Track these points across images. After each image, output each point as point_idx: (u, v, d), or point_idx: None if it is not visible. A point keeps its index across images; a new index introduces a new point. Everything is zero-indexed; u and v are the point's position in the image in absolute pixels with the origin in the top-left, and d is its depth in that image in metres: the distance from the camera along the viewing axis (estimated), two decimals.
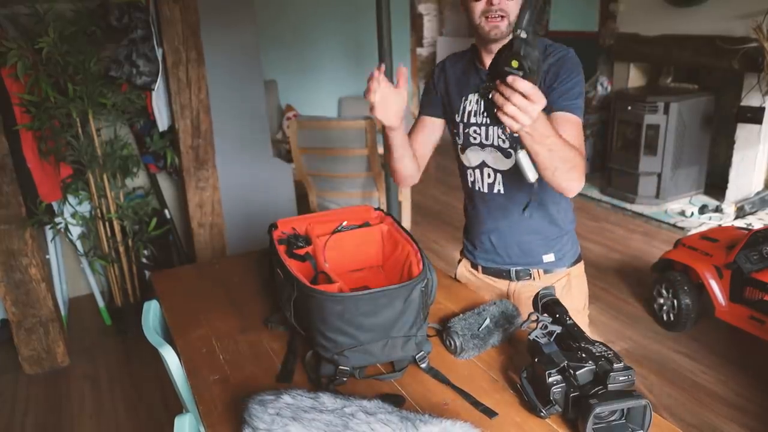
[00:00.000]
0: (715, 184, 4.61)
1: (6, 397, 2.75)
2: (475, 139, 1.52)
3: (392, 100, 1.34)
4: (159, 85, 2.93)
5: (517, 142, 1.36)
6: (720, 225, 3.95)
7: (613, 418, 1.04)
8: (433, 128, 1.63)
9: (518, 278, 1.59)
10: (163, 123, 3.06)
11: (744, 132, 4.18)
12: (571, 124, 1.33)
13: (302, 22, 6.05)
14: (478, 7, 1.35)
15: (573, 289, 1.56)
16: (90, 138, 2.92)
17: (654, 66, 4.96)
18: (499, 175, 1.51)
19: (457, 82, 1.54)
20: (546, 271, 1.56)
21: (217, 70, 3.11)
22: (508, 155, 1.47)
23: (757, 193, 4.21)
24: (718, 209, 4.30)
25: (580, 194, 4.97)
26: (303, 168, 3.52)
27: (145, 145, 3.16)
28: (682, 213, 4.39)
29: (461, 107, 1.53)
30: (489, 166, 1.52)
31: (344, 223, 1.63)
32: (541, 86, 1.23)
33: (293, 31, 6.02)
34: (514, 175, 1.48)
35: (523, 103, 1.03)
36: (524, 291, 1.59)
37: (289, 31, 5.99)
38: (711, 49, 4.14)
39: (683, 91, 4.61)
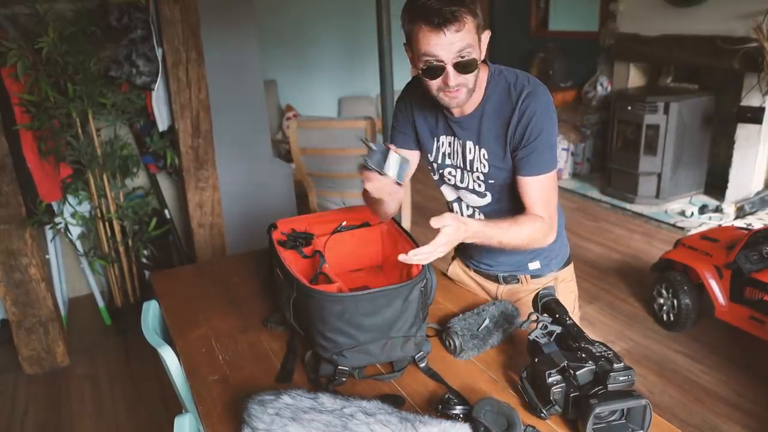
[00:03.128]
0: (715, 184, 4.61)
1: (6, 397, 2.75)
2: (449, 180, 1.51)
3: (387, 190, 1.30)
4: (159, 85, 2.93)
5: (489, 187, 1.43)
6: (720, 225, 3.94)
7: (613, 418, 1.04)
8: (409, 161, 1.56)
9: (506, 282, 1.59)
10: (163, 123, 3.06)
11: (744, 132, 4.18)
12: (538, 186, 1.36)
13: (302, 22, 6.05)
14: (434, 84, 1.29)
15: (560, 293, 1.56)
16: (90, 138, 2.92)
17: (654, 66, 4.95)
18: (476, 210, 1.52)
19: (426, 123, 1.49)
20: (533, 276, 1.56)
21: (217, 70, 3.10)
22: (483, 196, 1.47)
23: (757, 193, 4.21)
24: (718, 209, 4.30)
25: (580, 194, 4.94)
26: (303, 168, 3.52)
27: (145, 145, 3.15)
28: (682, 213, 4.39)
29: (434, 147, 1.50)
30: (464, 202, 1.53)
31: (343, 223, 1.63)
32: (509, 142, 1.35)
33: (293, 31, 6.02)
34: (490, 207, 1.48)
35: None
36: (512, 294, 1.59)
37: (289, 31, 5.99)
38: (711, 49, 4.14)
39: (683, 91, 4.60)
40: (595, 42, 5.23)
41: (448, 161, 1.49)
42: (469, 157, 1.43)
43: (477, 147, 1.41)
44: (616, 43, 4.95)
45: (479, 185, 1.45)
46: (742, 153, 4.23)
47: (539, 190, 1.36)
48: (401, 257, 1.21)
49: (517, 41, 6.44)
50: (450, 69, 1.25)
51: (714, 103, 4.56)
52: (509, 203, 1.45)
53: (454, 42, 1.22)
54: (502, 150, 1.38)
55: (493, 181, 1.42)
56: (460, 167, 1.47)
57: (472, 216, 1.53)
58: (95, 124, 2.92)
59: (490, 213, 1.49)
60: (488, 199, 1.47)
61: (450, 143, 1.47)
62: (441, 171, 1.52)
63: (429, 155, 1.52)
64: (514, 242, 1.34)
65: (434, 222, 1.18)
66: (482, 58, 1.31)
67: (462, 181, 1.48)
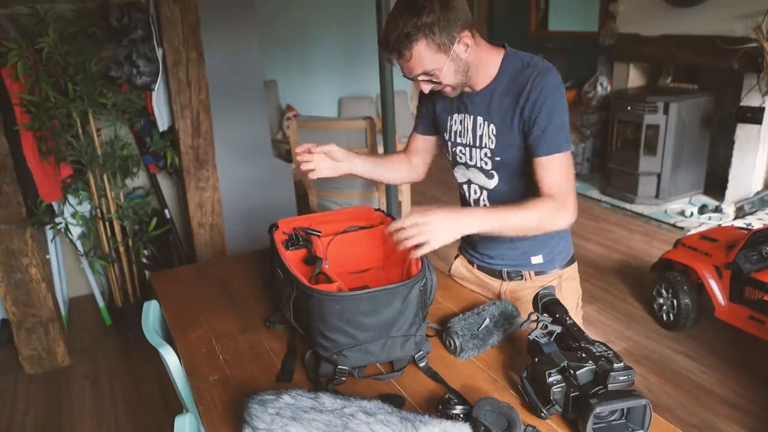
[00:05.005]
0: (715, 184, 4.61)
1: (6, 397, 2.75)
2: (461, 158, 1.54)
3: (323, 165, 1.53)
4: (159, 85, 2.93)
5: (496, 166, 1.44)
6: (720, 225, 3.95)
7: (613, 417, 1.05)
8: (426, 145, 1.69)
9: (510, 278, 1.60)
10: (163, 123, 3.06)
11: (744, 132, 4.18)
12: (550, 167, 1.35)
13: (302, 23, 6.05)
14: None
15: (564, 292, 1.56)
16: (90, 138, 2.92)
17: (654, 66, 4.96)
18: (485, 192, 1.53)
19: (442, 101, 1.54)
20: (537, 273, 1.57)
21: (217, 70, 3.11)
22: (491, 176, 1.48)
23: (757, 193, 4.21)
24: (717, 209, 4.30)
25: (580, 194, 4.95)
26: None
27: (145, 145, 3.15)
28: (682, 213, 4.39)
29: (449, 126, 1.54)
30: (474, 183, 1.55)
31: (350, 226, 1.64)
32: (519, 119, 1.36)
33: (293, 32, 6.02)
34: (498, 191, 1.50)
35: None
36: (516, 291, 1.59)
37: (290, 31, 6.00)
38: (711, 49, 4.14)
39: (683, 91, 4.61)
40: (595, 42, 5.23)
41: (459, 139, 1.52)
42: (478, 132, 1.46)
43: (486, 122, 1.43)
44: (616, 43, 4.96)
45: (486, 163, 1.47)
46: (741, 153, 4.23)
47: (550, 170, 1.35)
48: (389, 231, 1.23)
49: (517, 41, 6.40)
50: (421, 82, 1.37)
51: (714, 103, 4.56)
52: (517, 187, 1.46)
53: (411, 68, 1.33)
54: (510, 125, 1.39)
55: (499, 159, 1.44)
56: (469, 144, 1.49)
57: (477, 201, 1.54)
58: (95, 125, 2.92)
59: (499, 197, 1.49)
60: (495, 180, 1.48)
61: (461, 121, 1.50)
62: (453, 150, 1.54)
63: (444, 134, 1.56)
64: (530, 228, 1.34)
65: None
66: (467, 54, 1.34)
67: (471, 159, 1.50)
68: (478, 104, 1.44)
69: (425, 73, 1.34)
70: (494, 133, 1.42)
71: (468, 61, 1.35)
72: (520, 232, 1.37)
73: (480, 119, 1.45)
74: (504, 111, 1.40)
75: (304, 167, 1.52)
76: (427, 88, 1.38)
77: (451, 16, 1.28)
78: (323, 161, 1.53)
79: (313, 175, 1.53)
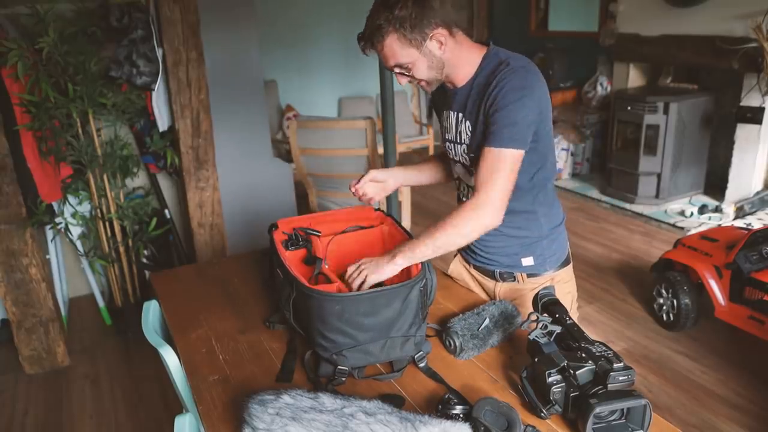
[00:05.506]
0: (715, 184, 4.61)
1: (6, 397, 2.75)
2: (450, 154, 1.57)
3: (373, 191, 1.63)
4: (159, 85, 2.93)
5: (474, 162, 1.46)
6: (719, 225, 3.95)
7: (612, 417, 1.05)
8: None
9: (503, 279, 1.60)
10: (163, 123, 3.06)
11: (744, 132, 4.18)
12: (486, 158, 1.35)
13: (302, 23, 6.05)
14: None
15: (557, 294, 1.56)
16: (90, 138, 2.92)
17: (654, 66, 4.95)
18: (468, 189, 1.54)
19: (440, 98, 1.58)
20: (529, 275, 1.56)
21: (217, 70, 3.11)
22: (471, 173, 1.50)
23: (757, 193, 4.21)
24: (717, 209, 4.30)
25: (580, 194, 4.93)
26: (303, 168, 3.52)
27: (145, 145, 3.15)
28: (682, 213, 4.39)
29: (442, 122, 1.58)
30: (463, 181, 1.57)
31: (350, 226, 1.64)
32: (483, 113, 1.39)
33: (293, 32, 6.02)
34: None
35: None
36: (511, 293, 1.59)
37: (289, 31, 5.99)
38: (711, 49, 4.14)
39: (683, 91, 4.61)
40: (595, 42, 5.23)
41: (447, 135, 1.56)
42: (459, 128, 1.49)
43: (464, 119, 1.46)
44: (616, 43, 4.96)
45: (466, 159, 1.50)
46: (741, 153, 4.23)
47: (484, 161, 1.35)
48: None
49: (517, 41, 6.43)
50: (397, 75, 1.43)
51: (714, 103, 4.56)
52: None
53: (386, 59, 1.39)
54: (478, 121, 1.41)
55: (473, 155, 1.46)
56: (454, 141, 1.53)
57: (467, 197, 1.54)
58: (95, 124, 2.92)
59: None
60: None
61: (448, 117, 1.53)
62: (446, 146, 1.58)
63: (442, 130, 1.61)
64: (447, 245, 1.37)
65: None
66: (442, 52, 1.37)
67: (455, 155, 1.54)
68: (458, 101, 1.47)
69: (398, 66, 1.39)
70: (470, 129, 1.45)
71: (443, 58, 1.38)
72: (456, 246, 1.43)
73: (460, 115, 1.48)
74: (478, 108, 1.41)
75: (364, 200, 1.63)
76: (402, 80, 1.44)
77: (425, 13, 1.31)
78: (371, 187, 1.63)
79: (372, 202, 1.65)
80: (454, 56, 1.40)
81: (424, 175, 1.76)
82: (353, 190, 1.61)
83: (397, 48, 1.35)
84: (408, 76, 1.41)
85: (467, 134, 1.46)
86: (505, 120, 1.32)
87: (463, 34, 1.41)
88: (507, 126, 1.32)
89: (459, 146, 1.50)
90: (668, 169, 4.52)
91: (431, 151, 6.31)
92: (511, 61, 1.37)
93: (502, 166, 1.33)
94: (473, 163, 1.46)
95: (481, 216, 1.34)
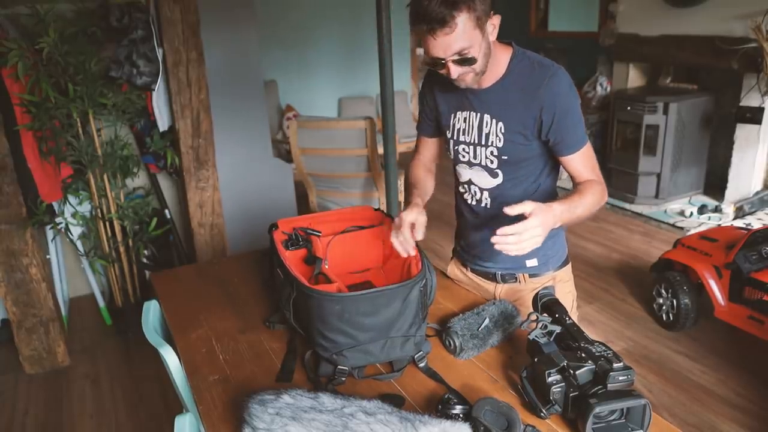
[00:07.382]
0: (715, 184, 4.61)
1: (6, 397, 2.76)
2: (464, 157, 1.52)
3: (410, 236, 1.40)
4: (159, 86, 2.93)
5: (502, 164, 1.44)
6: (719, 225, 3.95)
7: (612, 417, 1.05)
8: (433, 145, 1.68)
9: (504, 281, 1.60)
10: (163, 123, 3.06)
11: (743, 132, 4.18)
12: (583, 159, 1.42)
13: (302, 23, 6.05)
14: (442, 73, 1.35)
15: (558, 294, 1.56)
16: (90, 138, 2.92)
17: (654, 66, 4.96)
18: (485, 192, 1.52)
19: (445, 98, 1.53)
20: (531, 275, 1.57)
21: (217, 70, 3.11)
22: (495, 175, 1.48)
23: (756, 193, 4.21)
24: (717, 209, 4.30)
25: None
26: (303, 168, 3.52)
27: (146, 145, 3.16)
28: (682, 213, 4.39)
29: (451, 124, 1.53)
30: (475, 185, 1.53)
31: (349, 226, 1.64)
32: (536, 123, 1.37)
33: (293, 32, 6.02)
34: (499, 190, 1.49)
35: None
36: (511, 294, 1.59)
37: (290, 31, 5.99)
38: (710, 49, 4.15)
39: (682, 91, 4.61)
40: (594, 42, 5.23)
41: (462, 137, 1.50)
42: (485, 130, 1.45)
43: (494, 120, 1.43)
44: (615, 43, 4.96)
45: (492, 161, 1.46)
46: (741, 153, 4.23)
47: (583, 162, 1.42)
48: (494, 239, 1.19)
49: (517, 41, 6.43)
50: (450, 65, 1.30)
51: (713, 103, 4.56)
52: (519, 185, 1.46)
53: (449, 44, 1.25)
54: (522, 125, 1.39)
55: (506, 158, 1.43)
56: (473, 143, 1.48)
57: (480, 200, 1.54)
58: (96, 125, 2.92)
59: (499, 196, 1.49)
60: (499, 179, 1.47)
61: (466, 118, 1.48)
62: (456, 148, 1.53)
63: (447, 132, 1.55)
64: (588, 211, 1.38)
65: (510, 210, 1.20)
66: (491, 40, 1.33)
67: (475, 158, 1.49)
68: (486, 102, 1.43)
69: (459, 53, 1.27)
70: (502, 131, 1.41)
71: (491, 46, 1.34)
72: (580, 220, 1.39)
73: (487, 117, 1.43)
74: (515, 110, 1.39)
75: (413, 252, 1.40)
76: (456, 71, 1.30)
77: None
78: (408, 230, 1.40)
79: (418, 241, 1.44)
80: (492, 49, 1.35)
81: (429, 190, 1.65)
82: (400, 249, 1.38)
83: (467, 27, 1.23)
84: (466, 63, 1.29)
85: (497, 136, 1.42)
86: (576, 121, 1.39)
87: None
88: (578, 126, 1.40)
89: (483, 148, 1.46)
90: (668, 169, 4.52)
91: None
92: (544, 63, 1.39)
93: (593, 154, 1.44)
94: (501, 165, 1.45)
95: (605, 196, 1.43)
